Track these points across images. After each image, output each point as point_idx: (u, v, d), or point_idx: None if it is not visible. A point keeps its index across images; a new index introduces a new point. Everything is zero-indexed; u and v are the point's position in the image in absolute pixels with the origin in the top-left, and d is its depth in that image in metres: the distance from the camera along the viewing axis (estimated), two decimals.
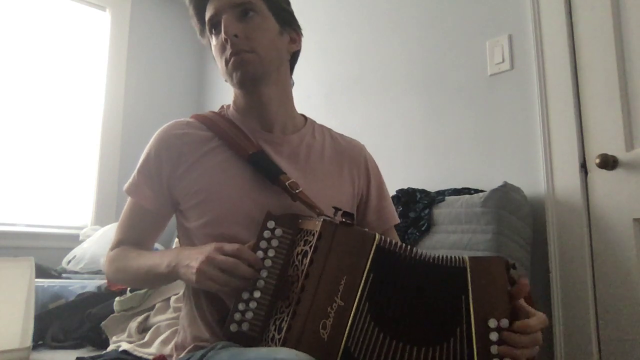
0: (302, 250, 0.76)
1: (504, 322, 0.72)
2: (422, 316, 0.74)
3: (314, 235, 0.74)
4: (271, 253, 0.79)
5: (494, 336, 0.71)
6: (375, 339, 0.71)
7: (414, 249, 0.76)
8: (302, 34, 1.03)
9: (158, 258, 0.88)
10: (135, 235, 0.98)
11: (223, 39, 0.91)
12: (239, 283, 0.76)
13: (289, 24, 0.99)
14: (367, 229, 0.77)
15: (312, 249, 0.73)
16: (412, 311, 0.74)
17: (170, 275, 0.85)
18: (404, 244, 0.77)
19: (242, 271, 0.75)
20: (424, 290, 0.74)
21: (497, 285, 0.73)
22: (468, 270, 0.74)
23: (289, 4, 1.01)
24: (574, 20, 1.46)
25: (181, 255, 0.83)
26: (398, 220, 1.11)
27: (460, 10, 1.75)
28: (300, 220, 0.81)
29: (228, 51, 0.91)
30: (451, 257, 0.75)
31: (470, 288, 0.73)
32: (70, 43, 2.65)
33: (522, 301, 0.74)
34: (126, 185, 0.98)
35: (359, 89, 2.09)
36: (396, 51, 1.95)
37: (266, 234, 0.80)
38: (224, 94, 2.82)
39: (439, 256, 0.76)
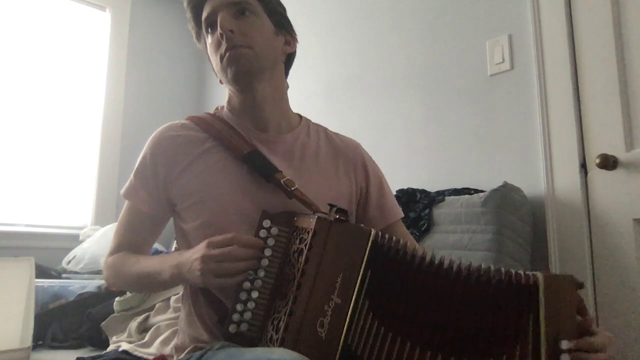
0: (297, 248, 0.75)
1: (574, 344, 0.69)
2: (457, 324, 0.70)
3: (308, 232, 0.73)
4: (268, 252, 0.78)
5: (565, 358, 0.68)
6: (378, 336, 0.70)
7: (420, 250, 0.74)
8: (297, 38, 1.03)
9: (158, 265, 0.87)
10: (133, 238, 0.98)
11: (219, 35, 0.91)
12: (245, 265, 0.75)
13: (284, 27, 1.00)
14: (362, 225, 0.76)
15: (307, 246, 0.72)
16: (427, 311, 0.71)
17: (175, 282, 0.85)
18: (404, 241, 0.74)
19: (241, 254, 0.75)
20: (464, 305, 0.71)
21: (567, 306, 0.70)
22: (541, 288, 0.69)
23: (284, 9, 1.02)
24: (574, 20, 1.46)
25: (181, 259, 0.82)
26: (402, 215, 1.09)
27: (460, 10, 1.74)
28: (295, 218, 0.80)
29: (223, 47, 0.91)
30: (491, 270, 0.71)
31: (542, 307, 0.69)
32: (70, 43, 2.65)
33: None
34: (123, 189, 0.98)
35: (359, 89, 2.08)
36: (396, 51, 1.95)
37: (262, 233, 0.79)
38: (223, 95, 2.81)
39: (481, 267, 0.72)
